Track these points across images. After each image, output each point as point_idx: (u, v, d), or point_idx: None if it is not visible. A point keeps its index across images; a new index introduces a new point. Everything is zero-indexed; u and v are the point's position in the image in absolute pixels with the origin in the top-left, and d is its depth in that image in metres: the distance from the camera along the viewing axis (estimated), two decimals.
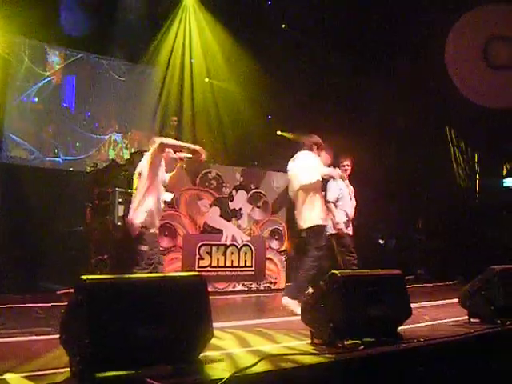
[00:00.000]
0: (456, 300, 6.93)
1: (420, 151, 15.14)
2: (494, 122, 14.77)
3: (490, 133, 15.41)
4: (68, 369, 3.65)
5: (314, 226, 7.86)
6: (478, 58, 14.73)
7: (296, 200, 8.04)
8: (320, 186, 8.19)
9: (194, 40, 14.62)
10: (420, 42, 13.87)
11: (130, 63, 14.11)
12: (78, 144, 13.16)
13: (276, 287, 10.79)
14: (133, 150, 13.07)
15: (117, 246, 9.42)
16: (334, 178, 8.72)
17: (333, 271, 5.05)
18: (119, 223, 9.59)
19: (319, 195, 8.12)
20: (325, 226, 8.08)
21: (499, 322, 6.41)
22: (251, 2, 14.15)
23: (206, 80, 14.70)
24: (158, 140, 6.81)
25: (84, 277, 3.59)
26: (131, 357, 3.66)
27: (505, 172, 16.64)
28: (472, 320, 6.57)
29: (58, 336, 3.74)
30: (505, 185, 16.54)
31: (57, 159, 12.84)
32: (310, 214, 7.87)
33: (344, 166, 9.57)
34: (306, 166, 8.02)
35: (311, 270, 7.62)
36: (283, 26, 14.96)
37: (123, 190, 9.58)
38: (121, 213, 9.59)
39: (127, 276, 3.87)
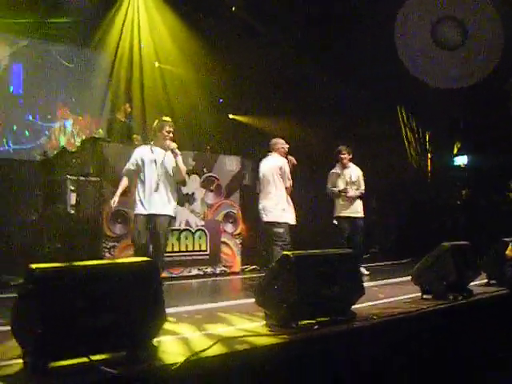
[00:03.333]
0: (409, 277, 7.04)
1: (372, 131, 15.25)
2: (443, 101, 14.95)
3: (441, 112, 15.60)
4: (21, 360, 3.62)
5: None
6: (426, 38, 14.90)
7: None
8: None
9: (142, 24, 14.39)
10: (370, 21, 13.92)
11: (78, 49, 13.88)
12: (26, 132, 12.92)
13: (231, 271, 10.79)
14: (84, 137, 12.88)
15: (70, 235, 9.32)
16: None
17: (285, 252, 5.08)
18: (72, 211, 9.46)
19: None
20: None
21: (451, 297, 6.55)
22: None
23: (156, 64, 14.55)
24: None
25: (33, 266, 3.53)
26: (84, 345, 3.62)
27: (455, 150, 16.87)
28: (425, 296, 6.69)
29: (9, 327, 3.69)
30: (455, 163, 16.78)
31: (6, 148, 12.60)
32: None
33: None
34: None
35: None
36: (233, 8, 14.87)
37: (75, 177, 9.45)
38: (73, 201, 9.45)
39: (78, 264, 3.80)
